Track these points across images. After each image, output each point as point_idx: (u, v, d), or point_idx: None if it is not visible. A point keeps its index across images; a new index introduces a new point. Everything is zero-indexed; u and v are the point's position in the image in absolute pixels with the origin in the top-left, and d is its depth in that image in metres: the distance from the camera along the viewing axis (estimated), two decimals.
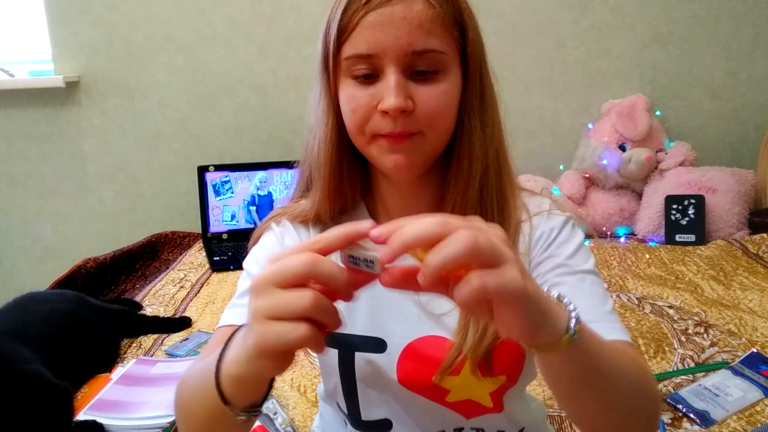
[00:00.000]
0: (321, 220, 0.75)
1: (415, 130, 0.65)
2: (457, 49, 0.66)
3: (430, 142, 0.66)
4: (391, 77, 0.63)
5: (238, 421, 0.54)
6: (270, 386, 0.56)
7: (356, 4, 0.62)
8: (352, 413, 0.76)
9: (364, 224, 0.44)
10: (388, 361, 0.71)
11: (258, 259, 0.75)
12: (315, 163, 0.72)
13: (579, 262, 0.69)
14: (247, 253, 0.78)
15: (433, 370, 0.69)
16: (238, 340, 0.50)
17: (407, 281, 0.43)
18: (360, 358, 0.72)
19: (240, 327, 0.53)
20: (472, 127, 0.68)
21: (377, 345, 0.72)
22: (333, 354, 0.73)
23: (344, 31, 0.64)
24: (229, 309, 0.71)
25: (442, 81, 0.65)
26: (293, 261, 0.43)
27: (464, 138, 0.68)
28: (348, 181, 0.73)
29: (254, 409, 0.55)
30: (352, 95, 0.65)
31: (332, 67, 0.66)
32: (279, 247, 0.75)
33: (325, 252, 0.44)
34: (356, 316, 0.72)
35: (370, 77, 0.64)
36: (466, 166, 0.68)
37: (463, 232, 0.40)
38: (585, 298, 0.65)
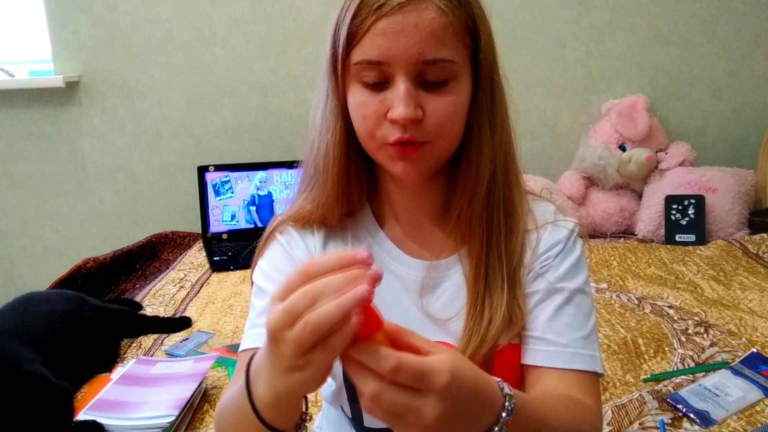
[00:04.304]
0: (327, 223, 0.74)
1: (424, 139, 0.64)
2: (468, 56, 0.65)
3: (438, 150, 0.66)
4: (400, 86, 0.62)
5: None
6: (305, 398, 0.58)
7: (367, 9, 0.61)
8: (356, 418, 0.76)
9: (361, 254, 0.45)
10: None
11: (267, 273, 0.74)
12: (322, 165, 0.71)
13: (570, 281, 0.70)
14: (252, 263, 0.76)
15: None
16: (264, 366, 0.50)
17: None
18: None
19: (257, 350, 0.52)
20: (482, 133, 0.68)
21: None
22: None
23: (354, 36, 0.63)
24: (249, 330, 0.71)
25: (451, 90, 0.64)
26: (297, 302, 0.45)
27: (473, 144, 0.68)
28: (356, 183, 0.72)
29: (299, 424, 0.57)
30: (362, 101, 0.65)
31: (341, 70, 0.65)
32: (287, 257, 0.74)
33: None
34: None
35: (380, 84, 0.64)
36: (474, 173, 0.68)
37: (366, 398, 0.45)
38: (562, 322, 0.68)
